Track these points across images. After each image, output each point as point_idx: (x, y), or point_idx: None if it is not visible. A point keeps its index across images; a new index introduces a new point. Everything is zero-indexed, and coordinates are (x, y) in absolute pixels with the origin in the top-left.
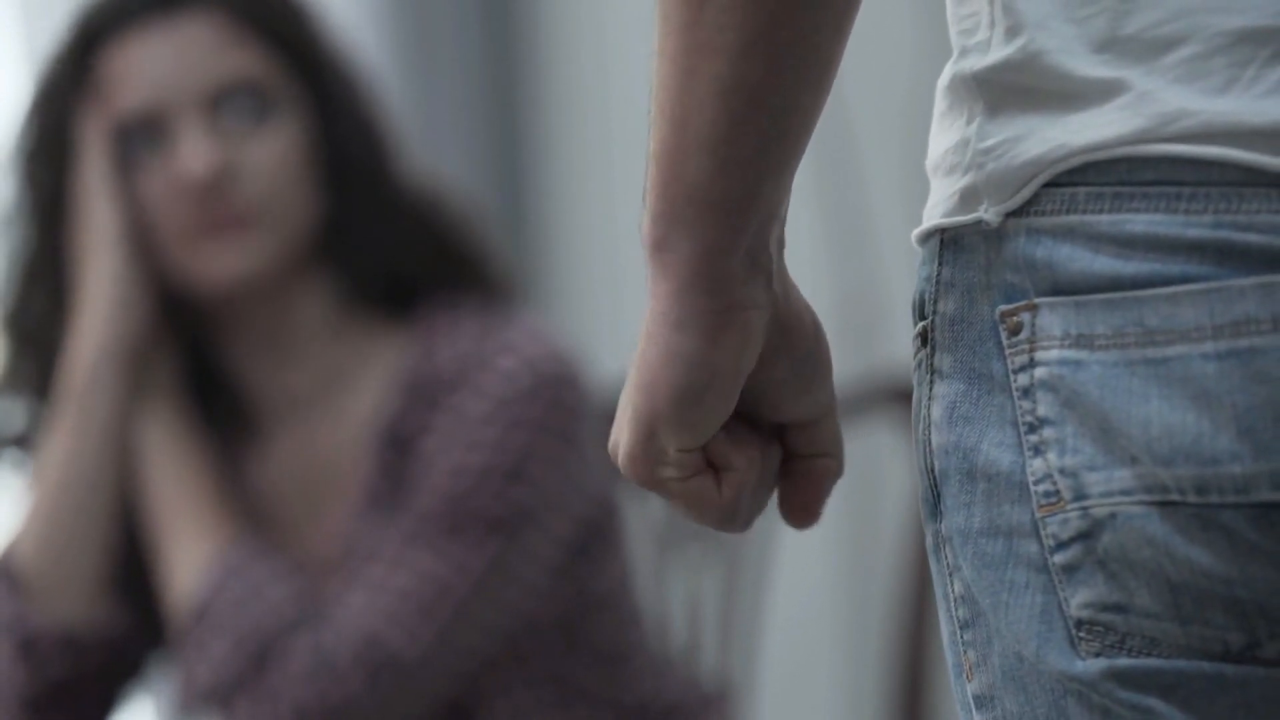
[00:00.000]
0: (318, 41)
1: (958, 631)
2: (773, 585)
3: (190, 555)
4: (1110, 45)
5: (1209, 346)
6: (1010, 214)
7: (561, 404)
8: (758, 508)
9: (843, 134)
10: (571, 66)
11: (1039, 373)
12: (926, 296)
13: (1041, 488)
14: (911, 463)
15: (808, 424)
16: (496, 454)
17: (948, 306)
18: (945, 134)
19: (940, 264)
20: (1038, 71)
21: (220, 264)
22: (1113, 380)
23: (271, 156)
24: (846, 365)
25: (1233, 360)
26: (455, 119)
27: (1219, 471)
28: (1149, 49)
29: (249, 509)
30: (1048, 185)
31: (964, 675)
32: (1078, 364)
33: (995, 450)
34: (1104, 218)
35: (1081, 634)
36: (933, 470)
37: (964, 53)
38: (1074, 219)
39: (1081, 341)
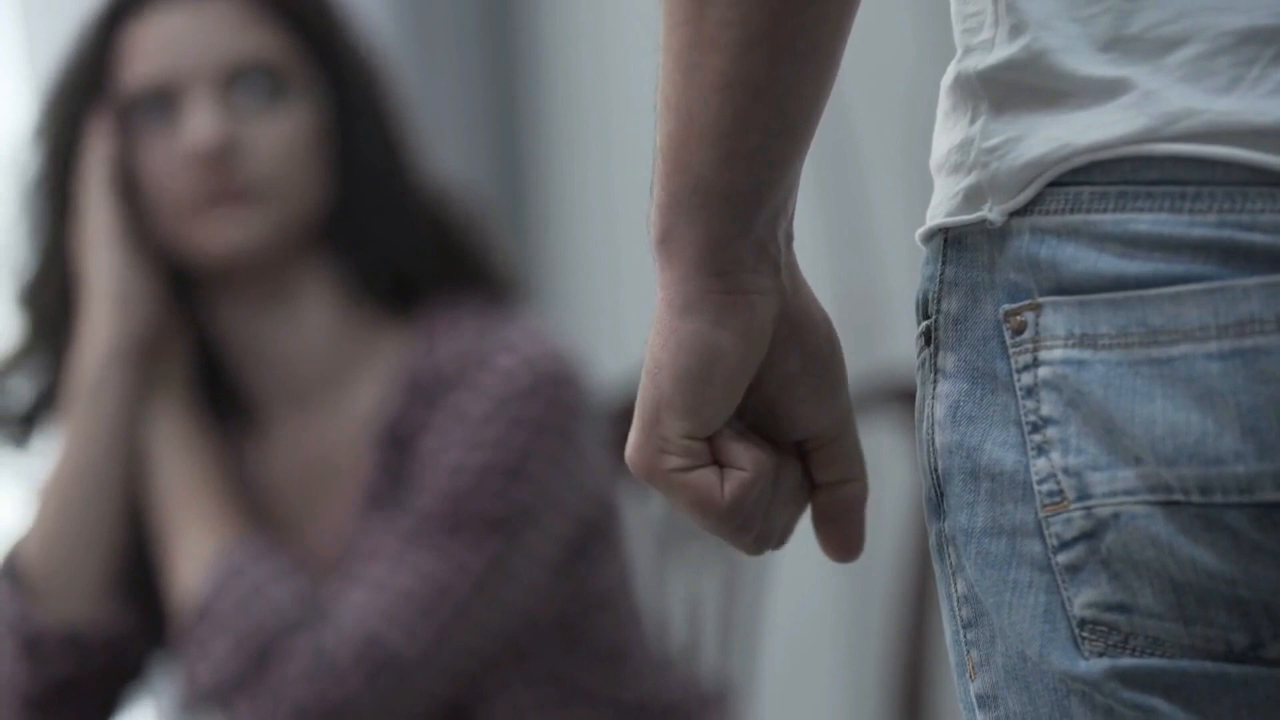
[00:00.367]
0: (339, 31)
1: (961, 631)
2: (773, 585)
3: (194, 552)
4: (1114, 44)
5: (1213, 346)
6: (1014, 213)
7: (561, 403)
8: (781, 531)
9: (843, 133)
10: (571, 66)
11: (1042, 372)
12: (930, 296)
13: (1045, 487)
14: (913, 462)
15: (826, 441)
16: (497, 453)
17: (951, 306)
18: (949, 133)
19: (944, 263)
20: (1041, 70)
21: (217, 235)
22: (1117, 380)
23: (279, 137)
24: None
25: (1237, 360)
26: (455, 118)
27: (1223, 471)
28: (1153, 48)
29: (248, 501)
30: (1051, 185)
31: (967, 675)
32: (1081, 364)
33: (999, 450)
34: (1108, 217)
35: (1085, 634)
36: (936, 469)
37: (968, 51)
38: (1078, 218)
39: (1085, 341)
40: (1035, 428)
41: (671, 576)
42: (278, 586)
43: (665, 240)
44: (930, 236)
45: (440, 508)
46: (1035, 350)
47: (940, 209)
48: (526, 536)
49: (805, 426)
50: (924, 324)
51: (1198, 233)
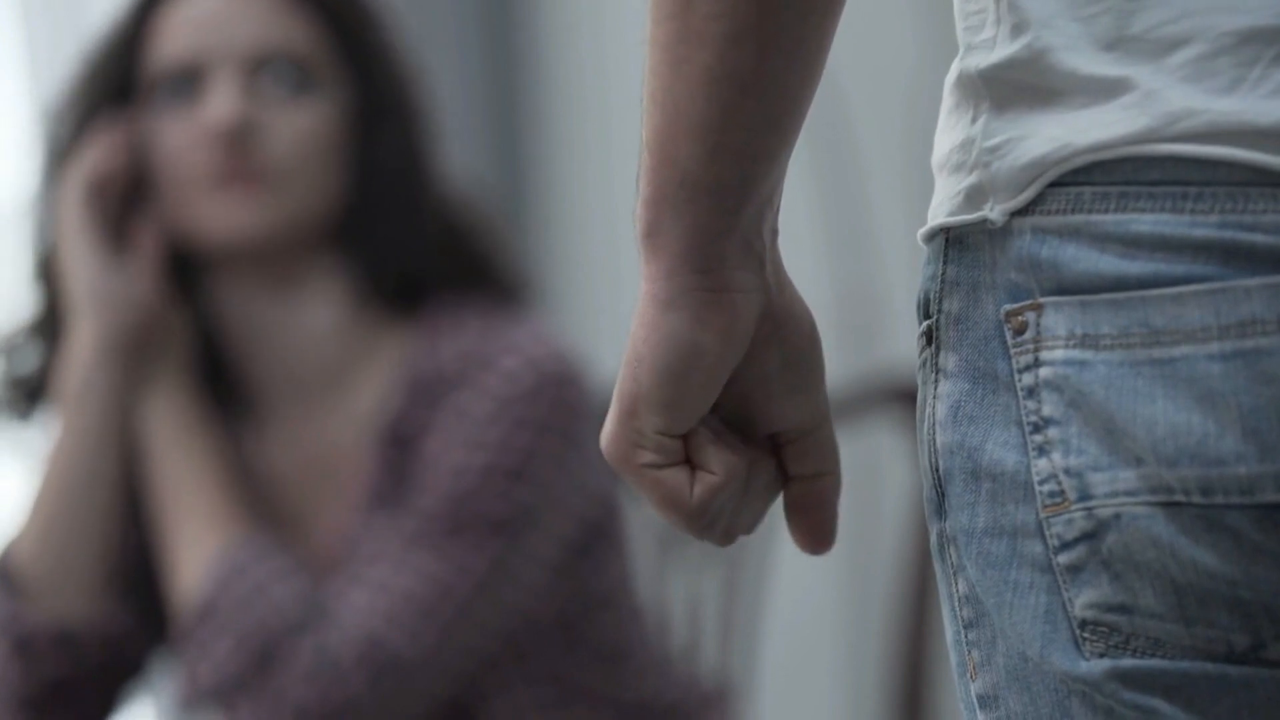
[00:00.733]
0: (372, 31)
1: (962, 631)
2: (773, 585)
3: (196, 550)
4: (1116, 44)
5: (1214, 347)
6: (1015, 213)
7: (564, 403)
8: (748, 522)
9: (842, 132)
10: (571, 66)
11: (1044, 373)
12: (931, 295)
13: (1046, 488)
14: (912, 463)
15: (801, 434)
16: (499, 454)
17: (952, 305)
18: (951, 132)
19: (945, 263)
20: (1043, 69)
21: (226, 217)
22: (1118, 380)
23: (300, 128)
24: (847, 365)
25: (1238, 361)
26: (455, 118)
27: (1224, 472)
28: (1155, 48)
29: (250, 495)
30: (1053, 185)
31: (968, 675)
32: (1083, 364)
33: (1000, 450)
34: (1109, 217)
35: (1086, 634)
36: (937, 469)
37: (970, 50)
38: (1079, 219)
39: (1086, 341)
40: (1036, 428)
41: (671, 576)
42: (280, 586)
43: (651, 234)
44: (932, 236)
45: (442, 508)
46: (1036, 350)
47: (942, 208)
48: (528, 537)
49: (781, 421)
50: (925, 324)
51: (1199, 233)
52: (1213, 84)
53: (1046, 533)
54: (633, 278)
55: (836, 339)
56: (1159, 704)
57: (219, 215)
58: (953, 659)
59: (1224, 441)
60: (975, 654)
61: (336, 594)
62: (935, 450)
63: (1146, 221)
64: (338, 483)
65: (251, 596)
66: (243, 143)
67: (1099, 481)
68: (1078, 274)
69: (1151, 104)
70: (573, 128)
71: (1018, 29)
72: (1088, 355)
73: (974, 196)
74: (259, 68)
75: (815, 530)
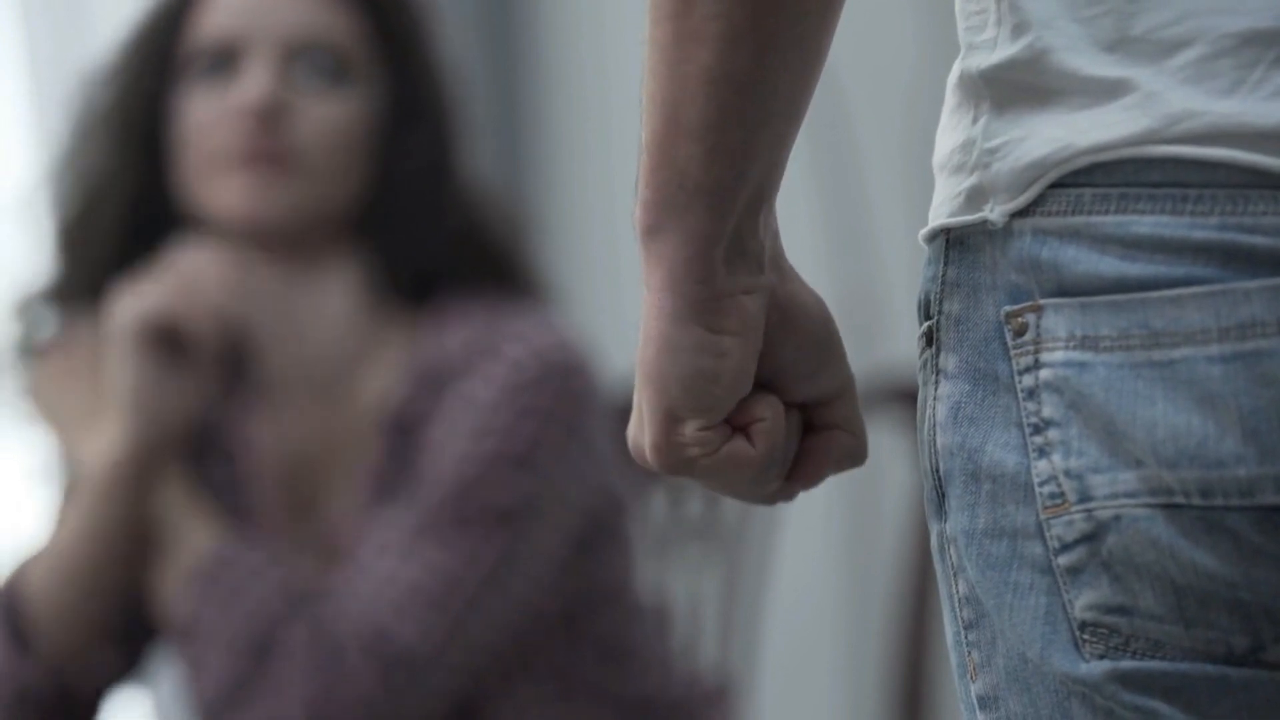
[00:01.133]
0: (413, 30)
1: (962, 632)
2: (773, 585)
3: (174, 573)
4: (1117, 45)
5: (1214, 349)
6: (1016, 214)
7: (570, 393)
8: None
9: (843, 132)
10: (571, 66)
11: (1044, 374)
12: (931, 296)
13: (1046, 489)
14: (913, 463)
15: (826, 401)
16: (504, 441)
17: (953, 306)
18: (952, 132)
19: (945, 264)
20: (1044, 70)
21: (247, 196)
22: (1118, 382)
23: (330, 118)
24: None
25: (1238, 363)
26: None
27: (1224, 474)
28: (1156, 50)
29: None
30: (1053, 186)
31: (968, 676)
32: (1083, 365)
33: (1000, 451)
34: (1109, 219)
35: (1085, 636)
36: (938, 470)
37: (971, 50)
38: (1079, 220)
39: (1087, 343)
40: (1036, 429)
41: (671, 576)
42: (258, 581)
43: (650, 236)
44: (932, 237)
45: (448, 497)
46: (1037, 352)
47: (942, 209)
48: (534, 528)
49: (801, 395)
50: (925, 325)
51: (1199, 235)
52: (1213, 86)
53: (1046, 534)
54: (632, 277)
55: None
56: (1159, 705)
57: (239, 194)
58: (953, 660)
59: (1224, 443)
60: (975, 655)
61: (342, 583)
62: (935, 451)
63: (1146, 223)
64: (346, 470)
65: (230, 599)
66: (271, 124)
67: (1099, 483)
68: (1078, 275)
69: (1152, 105)
70: (573, 128)
71: (1019, 30)
72: (1088, 357)
73: (974, 197)
74: (296, 55)
75: (809, 472)
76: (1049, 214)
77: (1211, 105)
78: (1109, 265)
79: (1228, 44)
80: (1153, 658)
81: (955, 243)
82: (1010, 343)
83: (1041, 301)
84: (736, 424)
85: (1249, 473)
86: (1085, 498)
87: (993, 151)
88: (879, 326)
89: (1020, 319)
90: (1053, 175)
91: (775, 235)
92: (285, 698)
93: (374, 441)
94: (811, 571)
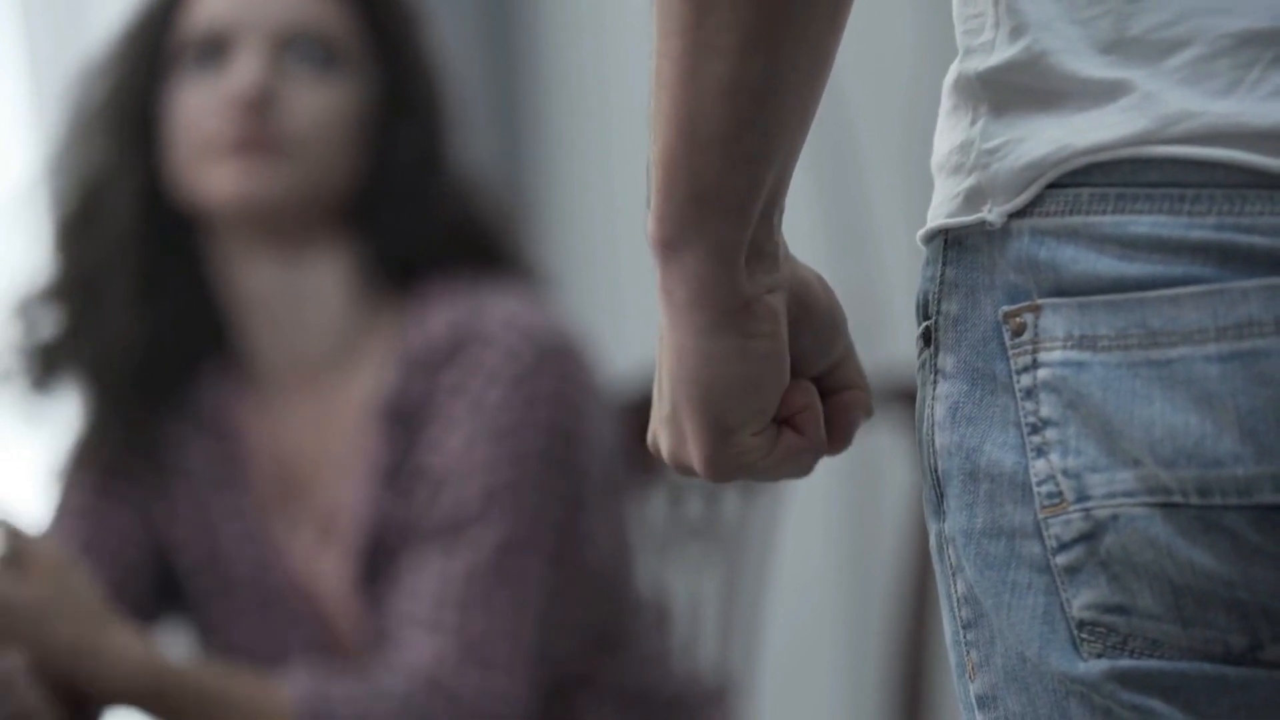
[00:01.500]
0: (403, 19)
1: (960, 631)
2: (773, 584)
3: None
4: (1115, 47)
5: (1212, 349)
6: (1014, 215)
7: (568, 374)
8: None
9: (843, 133)
10: (571, 65)
11: (1042, 374)
12: (930, 297)
13: (1044, 489)
14: (912, 463)
15: (836, 366)
16: (520, 438)
17: (951, 307)
18: (950, 134)
19: (944, 264)
20: (1042, 72)
21: (236, 183)
22: (1115, 382)
23: (321, 106)
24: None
25: (1235, 362)
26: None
27: (1221, 473)
28: (1153, 51)
29: (256, 470)
30: (1051, 186)
31: (967, 675)
32: (1080, 365)
33: (998, 451)
34: (1107, 219)
35: (1083, 635)
36: (936, 470)
37: (969, 53)
38: (1077, 220)
39: (1084, 343)
40: (1034, 429)
41: (671, 576)
42: (375, 704)
43: (669, 250)
44: (931, 238)
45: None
46: (1035, 352)
47: (941, 210)
48: (578, 516)
49: (822, 367)
50: (924, 325)
51: (1196, 235)
52: (1211, 86)
53: (1044, 533)
54: (632, 276)
55: None
56: (1157, 704)
57: (230, 180)
58: (951, 659)
59: (1221, 442)
60: (974, 654)
61: (414, 651)
62: (934, 451)
63: (1144, 223)
64: (340, 456)
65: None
66: (262, 112)
67: (1097, 482)
68: (1076, 275)
69: (1150, 106)
70: (573, 127)
71: (1016, 32)
72: (1085, 356)
73: (973, 198)
74: (286, 43)
75: (838, 435)
76: (1047, 214)
77: (1209, 106)
78: (1107, 265)
79: (1225, 44)
80: (1151, 657)
81: (953, 243)
82: (1008, 342)
83: (1039, 301)
84: (779, 418)
85: (1246, 472)
86: (1083, 497)
87: (991, 153)
88: (879, 326)
89: (1018, 319)
90: (1050, 175)
91: (780, 227)
92: None
93: (369, 430)
94: (811, 571)
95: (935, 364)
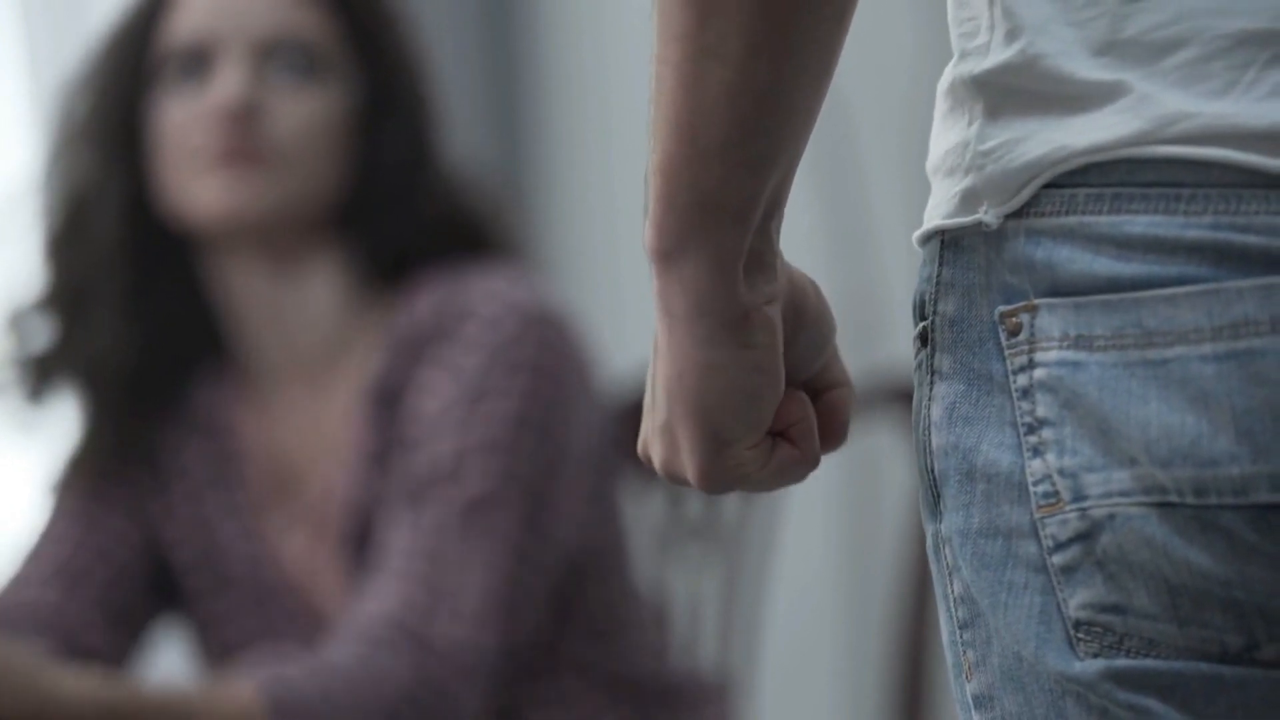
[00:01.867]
0: (385, 24)
1: (957, 631)
2: (773, 584)
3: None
4: (1110, 48)
5: (1208, 348)
6: (1010, 215)
7: (550, 343)
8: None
9: (843, 134)
10: (571, 65)
11: (1038, 374)
12: (927, 297)
13: (1040, 488)
14: (911, 463)
15: (820, 370)
16: (500, 401)
17: (948, 307)
18: (945, 136)
19: (940, 265)
20: (1037, 74)
21: (224, 195)
22: (1112, 381)
23: (305, 114)
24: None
25: (1231, 362)
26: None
27: (1217, 473)
28: (1149, 52)
29: (252, 468)
30: (1047, 187)
31: (963, 675)
32: (1077, 365)
33: (994, 451)
34: (1103, 219)
35: (1080, 635)
36: (932, 470)
37: (964, 55)
38: (1073, 220)
39: (1080, 342)
40: (1031, 429)
41: (671, 576)
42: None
43: (670, 259)
44: (927, 239)
45: (457, 478)
46: (1031, 352)
47: (937, 211)
48: (553, 482)
49: (812, 370)
50: (920, 325)
51: (1192, 234)
52: (1206, 87)
53: (1041, 533)
54: (631, 276)
55: (837, 339)
56: (1153, 704)
57: (217, 193)
58: (948, 659)
59: (1217, 442)
60: (970, 654)
61: (422, 606)
62: (930, 451)
63: (1140, 223)
64: (333, 451)
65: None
66: (246, 123)
67: (1093, 482)
68: (1072, 275)
69: (1145, 107)
70: (573, 127)
71: (1011, 35)
72: (1082, 356)
73: (969, 199)
74: (269, 53)
75: (832, 433)
76: (1043, 214)
77: (1205, 107)
78: (1103, 265)
79: (1221, 45)
80: (1147, 656)
81: (950, 244)
82: (1005, 343)
83: (1036, 301)
84: (774, 430)
85: (1242, 471)
86: (1079, 497)
87: (987, 154)
88: (879, 326)
89: (1015, 319)
90: (1047, 176)
91: (779, 234)
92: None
93: (357, 415)
94: (811, 571)
95: (932, 364)
